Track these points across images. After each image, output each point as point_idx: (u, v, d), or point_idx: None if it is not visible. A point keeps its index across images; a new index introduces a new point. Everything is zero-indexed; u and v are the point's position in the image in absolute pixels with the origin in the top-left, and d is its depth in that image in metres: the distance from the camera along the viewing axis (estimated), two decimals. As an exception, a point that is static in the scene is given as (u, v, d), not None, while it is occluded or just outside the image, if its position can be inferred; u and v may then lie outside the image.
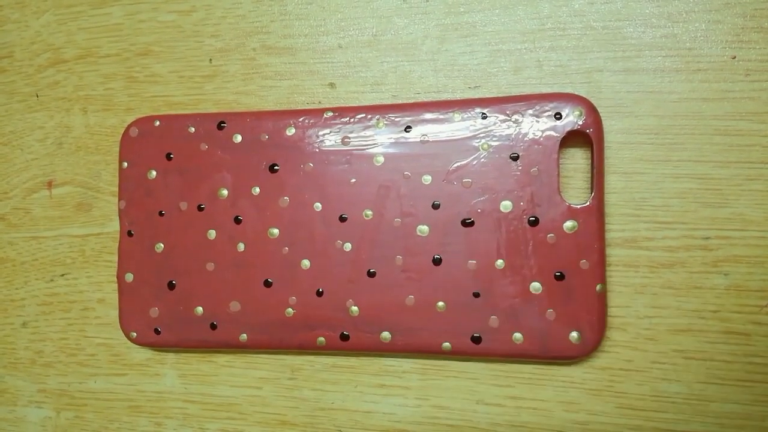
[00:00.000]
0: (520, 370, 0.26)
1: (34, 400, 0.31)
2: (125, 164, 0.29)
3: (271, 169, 0.27)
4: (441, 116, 0.26)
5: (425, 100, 0.28)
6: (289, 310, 0.27)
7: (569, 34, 0.26)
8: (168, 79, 0.30)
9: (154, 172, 0.29)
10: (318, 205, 0.27)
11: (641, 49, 0.26)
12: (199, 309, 0.28)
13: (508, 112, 0.25)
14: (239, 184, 0.28)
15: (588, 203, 0.25)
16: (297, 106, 0.29)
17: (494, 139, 0.25)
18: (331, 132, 0.27)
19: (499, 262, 0.25)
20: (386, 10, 0.28)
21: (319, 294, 0.27)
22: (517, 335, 0.25)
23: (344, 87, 0.29)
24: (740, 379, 0.25)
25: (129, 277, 0.29)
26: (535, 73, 0.27)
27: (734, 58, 0.25)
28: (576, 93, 0.25)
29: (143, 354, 0.30)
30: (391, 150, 0.26)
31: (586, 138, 0.25)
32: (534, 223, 0.25)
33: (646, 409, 0.25)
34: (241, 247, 0.27)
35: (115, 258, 0.29)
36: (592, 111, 0.25)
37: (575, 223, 0.25)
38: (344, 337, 0.26)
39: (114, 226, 0.30)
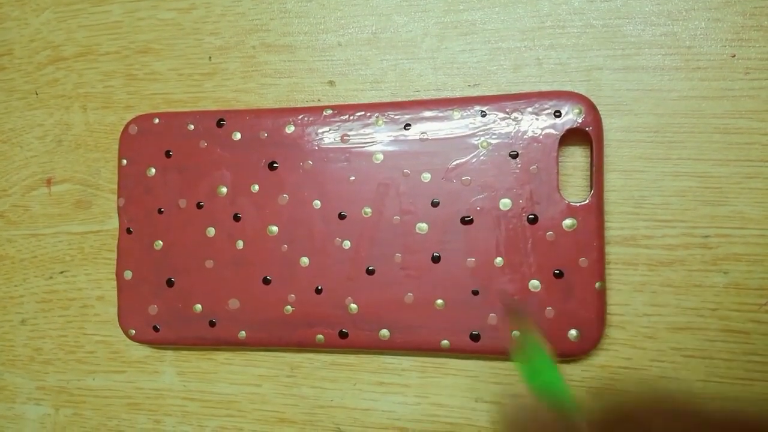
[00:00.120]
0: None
1: (32, 398, 0.31)
2: (124, 162, 0.29)
3: (271, 166, 0.27)
4: (440, 114, 0.26)
5: (425, 98, 0.27)
6: (288, 307, 0.27)
7: (569, 32, 0.26)
8: (167, 77, 0.30)
9: (153, 170, 0.29)
10: (317, 203, 0.27)
11: (641, 47, 0.26)
12: (198, 306, 0.28)
13: (507, 110, 0.25)
14: (238, 182, 0.28)
15: (587, 201, 0.25)
16: (296, 104, 0.29)
17: (494, 137, 0.25)
18: (330, 130, 0.27)
19: (498, 260, 0.25)
20: (386, 8, 0.28)
21: (318, 291, 0.27)
22: (516, 333, 0.25)
23: (344, 85, 0.29)
24: (739, 378, 0.25)
25: (128, 274, 0.29)
26: (534, 71, 0.27)
27: (734, 56, 0.25)
28: (575, 91, 0.25)
29: (142, 351, 0.30)
30: (390, 148, 0.26)
31: (585, 136, 0.25)
32: (533, 220, 0.25)
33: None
34: (240, 244, 0.27)
35: (114, 255, 0.29)
36: (591, 109, 0.25)
37: (574, 221, 0.25)
38: (343, 335, 0.26)
39: (113, 223, 0.30)
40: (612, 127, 0.26)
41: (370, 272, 0.26)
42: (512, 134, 0.25)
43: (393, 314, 0.26)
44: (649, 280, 0.25)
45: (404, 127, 0.26)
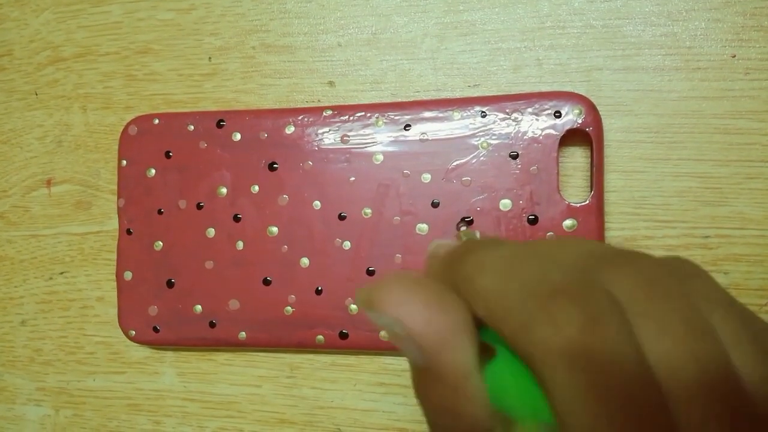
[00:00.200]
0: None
1: (33, 398, 0.31)
2: (124, 162, 0.29)
3: (271, 167, 0.27)
4: (440, 115, 0.26)
5: (425, 98, 0.27)
6: (288, 308, 0.27)
7: (569, 32, 0.26)
8: (167, 78, 0.30)
9: (153, 171, 0.29)
10: (317, 204, 0.27)
11: (641, 47, 0.26)
12: (198, 307, 0.28)
13: (507, 111, 0.25)
14: (238, 183, 0.28)
15: (587, 202, 0.25)
16: (296, 105, 0.29)
17: (494, 137, 0.25)
18: (330, 130, 0.27)
19: (499, 261, 0.25)
20: (386, 9, 0.28)
21: (318, 292, 0.27)
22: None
23: (343, 85, 0.29)
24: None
25: (128, 275, 0.29)
26: (534, 71, 0.27)
27: (734, 56, 0.25)
28: (575, 91, 0.25)
29: (142, 352, 0.30)
30: (390, 148, 0.26)
31: (585, 136, 0.25)
32: (533, 221, 0.25)
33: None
34: (240, 245, 0.27)
35: (114, 256, 0.29)
36: (591, 109, 0.25)
37: (574, 222, 0.25)
38: (343, 336, 0.26)
39: (113, 224, 0.30)
40: (612, 128, 0.26)
41: (370, 273, 0.26)
42: (512, 135, 0.25)
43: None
44: (650, 281, 0.25)
45: (404, 128, 0.26)
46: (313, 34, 0.29)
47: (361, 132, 0.27)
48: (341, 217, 0.27)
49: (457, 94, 0.27)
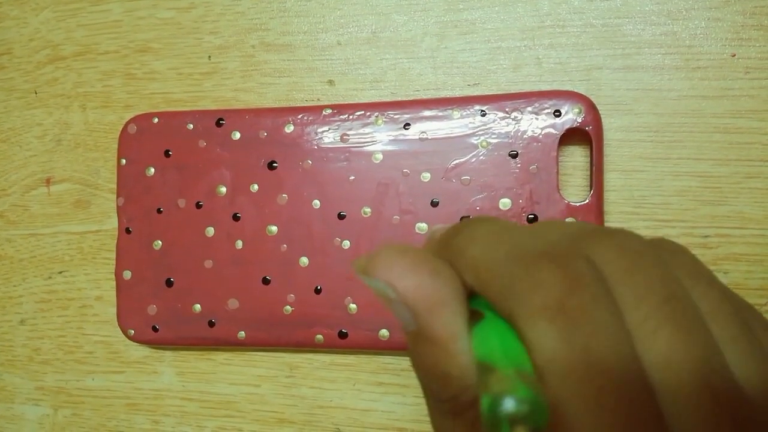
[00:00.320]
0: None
1: (31, 398, 0.31)
2: (124, 161, 0.29)
3: (270, 166, 0.27)
4: (440, 113, 0.26)
5: (424, 97, 0.27)
6: (288, 307, 0.27)
7: (569, 31, 0.26)
8: (167, 76, 0.30)
9: (152, 169, 0.29)
10: (316, 203, 0.27)
11: (641, 46, 0.26)
12: (197, 306, 0.28)
13: (507, 110, 0.25)
14: (238, 182, 0.28)
15: (587, 201, 0.25)
16: (296, 103, 0.29)
17: (493, 136, 0.25)
18: (329, 129, 0.27)
19: (498, 260, 0.25)
20: (385, 7, 0.28)
21: (318, 291, 0.26)
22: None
23: (343, 84, 0.28)
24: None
25: (127, 274, 0.28)
26: (534, 70, 0.27)
27: (734, 55, 0.25)
28: (575, 90, 0.25)
29: (141, 351, 0.30)
30: (390, 147, 0.26)
31: (585, 135, 0.25)
32: (533, 220, 0.25)
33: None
34: (239, 244, 0.27)
35: (113, 255, 0.29)
36: (591, 108, 0.25)
37: (574, 221, 0.25)
38: (343, 335, 0.26)
39: (112, 223, 0.30)
40: (612, 127, 0.26)
41: (369, 272, 0.26)
42: (512, 134, 0.25)
43: (392, 315, 0.26)
44: (649, 280, 0.25)
45: (404, 127, 0.26)
46: (313, 32, 0.29)
47: (361, 131, 0.27)
48: (341, 216, 0.27)
49: (457, 93, 0.27)
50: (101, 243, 0.31)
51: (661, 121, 0.25)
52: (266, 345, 0.27)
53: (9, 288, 0.32)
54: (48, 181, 0.32)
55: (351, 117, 0.27)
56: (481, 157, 0.25)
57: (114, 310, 0.29)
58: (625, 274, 0.11)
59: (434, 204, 0.26)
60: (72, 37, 0.32)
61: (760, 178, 0.25)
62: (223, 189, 0.28)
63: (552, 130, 0.25)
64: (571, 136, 0.25)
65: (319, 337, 0.26)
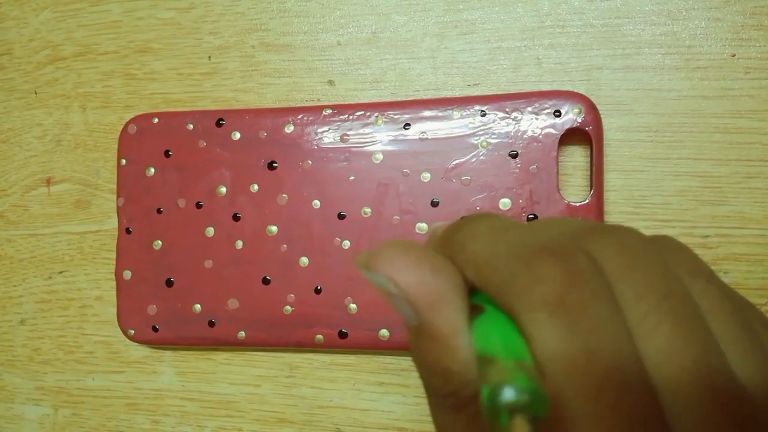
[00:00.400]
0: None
1: (31, 398, 0.31)
2: (124, 161, 0.29)
3: (270, 166, 0.27)
4: (440, 114, 0.26)
5: (424, 97, 0.27)
6: (288, 307, 0.27)
7: (569, 31, 0.26)
8: (167, 77, 0.30)
9: (152, 170, 0.29)
10: (316, 203, 0.27)
11: (641, 46, 0.26)
12: (197, 306, 0.28)
13: (507, 110, 0.25)
14: (238, 182, 0.28)
15: (587, 201, 0.25)
16: (296, 104, 0.29)
17: (493, 136, 0.25)
18: (329, 129, 0.27)
19: (498, 260, 0.25)
20: (385, 7, 0.28)
21: (318, 291, 0.26)
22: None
23: (343, 84, 0.28)
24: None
25: (127, 274, 0.28)
26: (534, 70, 0.27)
27: (734, 55, 0.25)
28: (575, 90, 0.25)
29: (141, 351, 0.30)
30: (390, 147, 0.26)
31: (585, 136, 0.25)
32: (533, 220, 0.25)
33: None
34: (239, 244, 0.27)
35: (114, 255, 0.29)
36: (591, 108, 0.25)
37: (575, 219, 0.25)
38: (343, 335, 0.26)
39: (112, 223, 0.30)
40: (612, 127, 0.26)
41: (369, 272, 0.26)
42: (512, 134, 0.25)
43: (393, 314, 0.26)
44: (649, 280, 0.25)
45: (404, 127, 0.26)
46: (313, 33, 0.29)
47: (361, 131, 0.27)
48: (341, 216, 0.27)
49: (457, 93, 0.27)
50: (101, 243, 0.31)
51: (661, 121, 0.25)
52: (266, 345, 0.27)
53: (9, 288, 0.32)
54: (48, 182, 0.32)
55: (351, 117, 0.27)
56: (481, 157, 0.25)
57: (114, 310, 0.29)
58: (626, 271, 0.11)
59: (434, 204, 0.26)
60: (72, 37, 0.32)
61: (760, 178, 0.25)
62: (223, 189, 0.28)
63: (552, 130, 0.25)
64: (571, 136, 0.25)
65: (319, 337, 0.26)
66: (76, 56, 0.31)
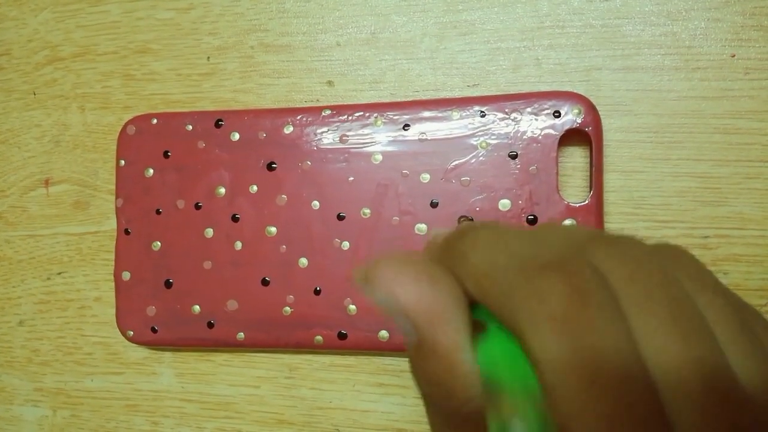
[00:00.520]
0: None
1: (30, 399, 0.31)
2: (122, 162, 0.29)
3: (269, 167, 0.27)
4: (439, 114, 0.26)
5: (424, 98, 0.27)
6: (287, 308, 0.27)
7: (568, 32, 0.26)
8: (166, 77, 0.30)
9: (151, 170, 0.28)
10: (316, 204, 0.27)
11: (640, 47, 0.26)
12: (197, 308, 0.28)
13: (506, 111, 0.25)
14: (237, 183, 0.28)
15: (587, 202, 0.25)
16: (295, 104, 0.29)
17: (493, 137, 0.25)
18: (329, 130, 0.27)
19: (498, 261, 0.25)
20: (385, 8, 0.28)
21: (317, 293, 0.26)
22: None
23: (342, 85, 0.28)
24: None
25: (126, 275, 0.28)
26: (533, 71, 0.27)
27: (734, 56, 0.25)
28: (575, 91, 0.25)
29: (140, 353, 0.30)
30: (389, 148, 0.26)
31: (584, 136, 0.25)
32: (532, 221, 0.25)
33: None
34: (238, 245, 0.27)
35: (112, 256, 0.29)
36: (591, 109, 0.25)
37: (574, 222, 0.25)
38: (342, 336, 0.26)
39: (111, 224, 0.30)
40: (611, 128, 0.26)
41: (368, 273, 0.26)
42: (511, 134, 0.25)
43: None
44: (649, 281, 0.25)
45: (403, 128, 0.26)
46: (312, 33, 0.29)
47: (360, 132, 0.27)
48: (340, 217, 0.27)
49: (456, 94, 0.27)
50: (100, 244, 0.31)
51: (660, 122, 0.25)
52: (265, 346, 0.27)
53: (8, 289, 0.32)
54: (47, 182, 0.32)
55: (350, 118, 0.27)
56: (481, 158, 0.25)
57: (113, 311, 0.29)
58: (629, 283, 0.11)
59: (434, 205, 0.26)
60: (71, 38, 0.32)
61: (760, 179, 0.25)
62: (222, 190, 0.28)
63: (551, 131, 0.25)
64: (571, 137, 0.25)
65: (319, 338, 0.26)
66: (74, 57, 0.31)
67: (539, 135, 0.25)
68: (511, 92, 0.26)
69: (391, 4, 0.28)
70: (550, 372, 0.10)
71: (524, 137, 0.25)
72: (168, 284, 0.28)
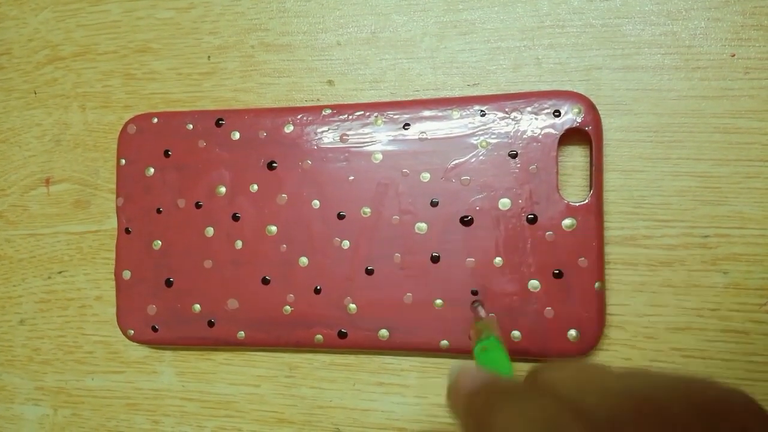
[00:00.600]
0: (519, 368, 0.26)
1: (31, 398, 0.31)
2: (123, 161, 0.29)
3: (269, 166, 0.27)
4: (440, 114, 0.26)
5: (424, 97, 0.27)
6: (287, 307, 0.27)
7: (568, 31, 0.26)
8: (166, 76, 0.30)
9: (152, 170, 0.29)
10: (316, 203, 0.27)
11: (640, 46, 0.26)
12: (197, 306, 0.28)
13: (506, 110, 0.25)
14: (237, 182, 0.28)
15: (587, 201, 0.25)
16: (295, 104, 0.29)
17: (493, 136, 0.25)
18: (329, 129, 0.27)
19: (498, 260, 0.25)
20: (385, 8, 0.28)
21: (317, 291, 0.26)
22: (516, 333, 0.25)
23: (343, 84, 0.28)
24: (739, 378, 0.24)
25: (126, 274, 0.28)
26: (534, 70, 0.27)
27: (733, 56, 0.25)
28: (575, 90, 0.25)
29: (141, 351, 0.30)
30: (389, 147, 0.26)
31: (584, 136, 0.25)
32: (532, 220, 0.25)
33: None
34: (238, 244, 0.27)
35: (113, 255, 0.29)
36: (591, 108, 0.25)
37: (574, 221, 0.25)
38: (342, 335, 0.26)
39: (112, 223, 0.30)
40: (611, 127, 0.26)
41: (369, 272, 0.26)
42: (511, 134, 0.25)
43: (392, 314, 0.26)
44: (649, 280, 0.25)
45: (403, 127, 0.26)
46: (313, 33, 0.29)
47: (360, 131, 0.27)
48: (340, 216, 0.27)
49: (457, 93, 0.27)
50: (101, 243, 0.31)
51: (660, 121, 0.25)
52: (266, 345, 0.27)
53: (8, 288, 0.32)
54: (47, 182, 0.32)
55: (350, 117, 0.27)
56: (481, 157, 0.25)
57: (113, 310, 0.29)
58: None
59: (434, 204, 0.26)
60: (71, 37, 0.32)
61: (760, 178, 0.25)
62: (223, 189, 0.28)
63: (551, 130, 0.25)
64: (571, 136, 0.25)
65: (319, 337, 0.26)
66: (75, 56, 0.31)
67: (539, 134, 0.25)
68: (512, 91, 0.26)
69: (391, 3, 0.28)
70: None
71: (524, 136, 0.25)
72: (168, 283, 0.28)
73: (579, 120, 0.25)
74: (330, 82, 0.29)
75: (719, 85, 0.25)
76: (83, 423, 0.31)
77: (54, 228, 0.31)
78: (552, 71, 0.26)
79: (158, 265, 0.28)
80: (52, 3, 0.32)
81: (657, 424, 0.11)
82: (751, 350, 0.24)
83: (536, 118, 0.25)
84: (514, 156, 0.25)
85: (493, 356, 0.20)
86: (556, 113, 0.25)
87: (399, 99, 0.28)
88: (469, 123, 0.26)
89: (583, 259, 0.24)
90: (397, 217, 0.26)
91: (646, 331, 0.25)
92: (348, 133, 0.27)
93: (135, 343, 0.30)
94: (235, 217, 0.27)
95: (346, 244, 0.26)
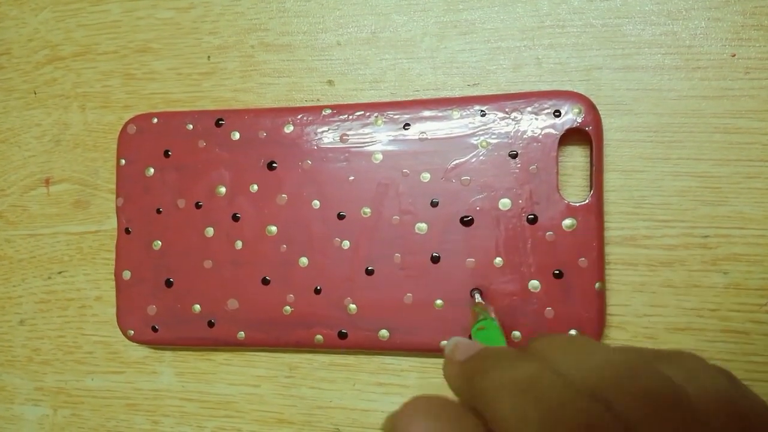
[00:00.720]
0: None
1: (31, 398, 0.31)
2: (123, 161, 0.29)
3: (269, 166, 0.27)
4: (440, 114, 0.26)
5: (424, 97, 0.27)
6: (287, 308, 0.27)
7: (568, 31, 0.26)
8: (166, 76, 0.30)
9: (151, 170, 0.28)
10: (316, 203, 0.27)
11: (640, 46, 0.26)
12: (197, 307, 0.28)
13: (507, 110, 0.25)
14: (237, 182, 0.28)
15: (587, 201, 0.25)
16: (295, 104, 0.29)
17: (493, 136, 0.25)
18: (329, 129, 0.27)
19: (498, 260, 0.25)
20: (385, 7, 0.28)
21: (317, 292, 0.26)
22: (516, 333, 0.25)
23: (343, 84, 0.28)
24: (739, 378, 0.24)
25: (126, 274, 0.28)
26: (534, 70, 0.27)
27: (734, 55, 0.25)
28: (575, 90, 0.25)
29: (140, 352, 0.30)
30: (389, 147, 0.26)
31: (585, 136, 0.25)
32: (533, 221, 0.25)
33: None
34: (238, 244, 0.27)
35: (113, 255, 0.29)
36: (591, 109, 0.25)
37: (574, 221, 0.25)
38: (342, 335, 0.26)
39: (111, 223, 0.30)
40: (611, 127, 0.26)
41: (369, 272, 0.26)
42: (512, 134, 0.25)
43: (392, 314, 0.26)
44: (649, 281, 0.25)
45: (403, 127, 0.26)
46: (312, 33, 0.29)
47: (361, 131, 0.27)
48: (340, 217, 0.27)
49: (457, 93, 0.27)
50: (100, 243, 0.31)
51: (661, 121, 0.25)
52: (266, 345, 0.27)
53: (8, 288, 0.32)
54: (47, 182, 0.32)
55: (350, 117, 0.27)
56: (481, 158, 0.25)
57: (113, 310, 0.29)
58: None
59: (434, 204, 0.26)
60: (71, 37, 0.32)
61: (760, 178, 0.25)
62: (223, 189, 0.28)
63: (552, 130, 0.25)
64: (571, 136, 0.25)
65: (319, 337, 0.26)
66: (75, 56, 0.31)
67: (539, 134, 0.25)
68: (512, 91, 0.26)
69: (391, 3, 0.28)
70: None
71: (524, 136, 0.25)
72: (168, 283, 0.28)
73: (579, 120, 0.25)
74: (330, 82, 0.29)
75: (719, 85, 0.25)
76: (83, 423, 0.31)
77: (54, 228, 0.31)
78: (552, 71, 0.26)
79: (158, 266, 0.28)
80: (52, 3, 0.32)
81: (636, 393, 0.11)
82: (751, 350, 0.24)
83: (536, 118, 0.25)
84: (514, 156, 0.25)
85: (489, 334, 0.20)
86: (557, 113, 0.25)
87: (399, 99, 0.28)
88: (470, 123, 0.26)
89: (583, 259, 0.24)
90: (398, 217, 0.26)
91: (646, 331, 0.25)
92: (348, 133, 0.27)
93: (135, 344, 0.30)
94: (235, 218, 0.27)
95: (346, 244, 0.26)
